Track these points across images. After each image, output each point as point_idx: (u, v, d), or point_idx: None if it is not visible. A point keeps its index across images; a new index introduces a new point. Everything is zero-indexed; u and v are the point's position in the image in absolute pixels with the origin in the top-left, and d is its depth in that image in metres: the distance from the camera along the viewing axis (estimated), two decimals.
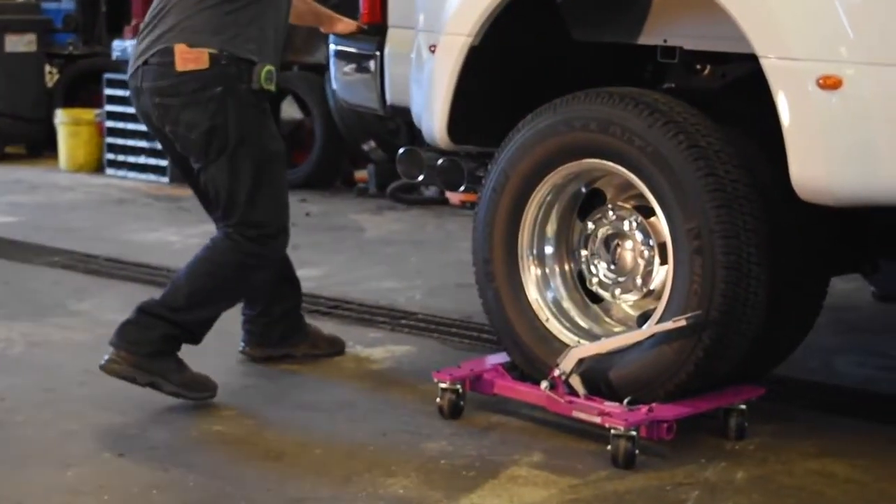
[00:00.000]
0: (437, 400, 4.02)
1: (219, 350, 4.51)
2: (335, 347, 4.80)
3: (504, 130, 4.10)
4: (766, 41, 3.40)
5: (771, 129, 3.80)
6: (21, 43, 10.25)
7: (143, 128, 7.72)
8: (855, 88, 3.29)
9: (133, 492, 3.48)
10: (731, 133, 3.75)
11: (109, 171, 9.74)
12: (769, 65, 3.40)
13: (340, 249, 7.02)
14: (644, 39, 4.15)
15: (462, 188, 4.43)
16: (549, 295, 4.11)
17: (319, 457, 3.74)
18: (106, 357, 4.04)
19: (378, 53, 4.50)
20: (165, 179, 9.27)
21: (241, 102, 4.05)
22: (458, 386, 4.02)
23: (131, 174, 9.56)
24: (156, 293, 4.79)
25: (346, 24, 4.68)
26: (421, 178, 4.52)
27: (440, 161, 4.42)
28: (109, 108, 9.67)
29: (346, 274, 6.36)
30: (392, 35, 4.47)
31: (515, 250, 4.09)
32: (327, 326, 5.08)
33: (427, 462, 3.68)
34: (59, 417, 4.06)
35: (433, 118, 4.20)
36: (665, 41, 4.11)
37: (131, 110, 7.46)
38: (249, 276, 4.22)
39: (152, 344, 4.06)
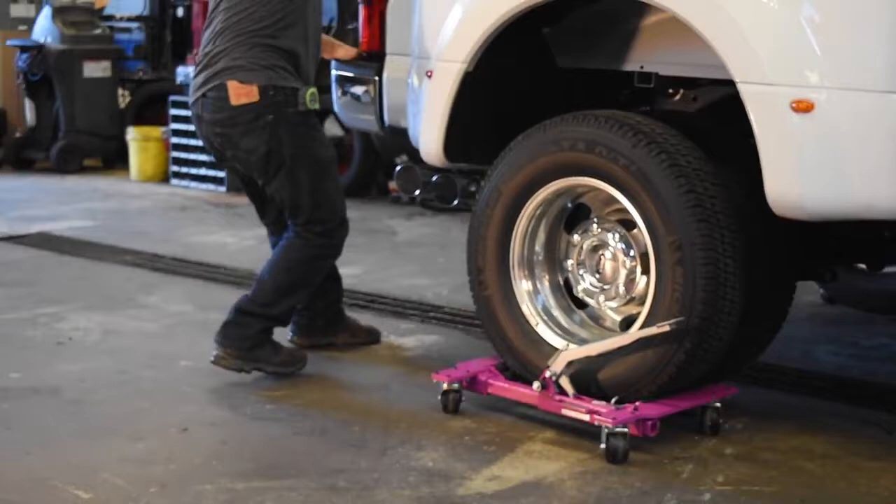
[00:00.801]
0: (439, 397, 3.92)
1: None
2: (372, 336, 4.87)
3: (496, 149, 3.98)
4: (744, 68, 3.28)
5: (742, 148, 3.74)
6: (98, 69, 10.48)
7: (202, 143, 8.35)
8: (826, 111, 3.17)
9: (196, 462, 3.55)
10: (707, 152, 3.62)
11: (174, 181, 9.89)
12: (746, 90, 3.28)
13: (376, 250, 7.08)
14: (622, 66, 4.06)
15: (455, 202, 4.30)
16: (539, 302, 3.98)
17: (358, 433, 3.80)
18: (214, 353, 4.20)
19: (377, 78, 4.38)
20: (223, 189, 9.44)
21: (290, 124, 4.16)
22: (456, 385, 3.91)
23: (193, 184, 9.71)
24: (213, 288, 5.72)
25: (346, 51, 4.61)
26: (417, 192, 4.40)
27: (435, 178, 4.32)
28: (174, 126, 9.84)
29: (381, 272, 6.45)
30: (390, 62, 4.35)
31: (507, 261, 3.96)
32: (365, 318, 5.16)
33: (453, 438, 3.74)
34: (130, 396, 4.17)
35: (430, 138, 4.08)
36: (641, 67, 4.02)
37: (193, 128, 8.03)
38: (321, 264, 4.41)
39: (252, 339, 4.23)
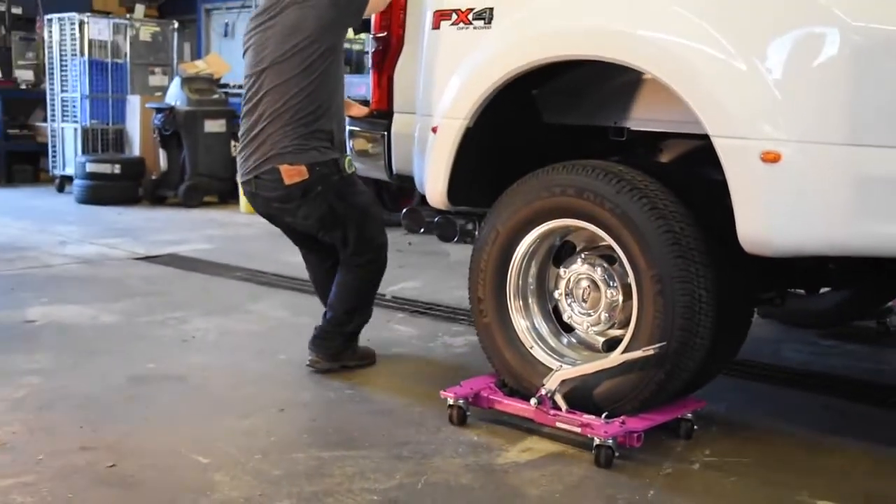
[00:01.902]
0: (447, 410, 3.80)
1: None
2: (372, 358, 4.73)
3: (494, 194, 3.87)
4: (717, 124, 3.17)
5: (710, 193, 3.65)
6: (216, 126, 11.20)
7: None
8: (791, 162, 3.06)
9: (291, 435, 3.76)
10: (680, 196, 3.51)
11: None
12: (720, 143, 3.17)
13: (432, 268, 7.33)
14: (598, 121, 3.98)
15: (455, 239, 4.19)
16: (532, 327, 3.86)
17: (418, 413, 3.95)
18: (308, 359, 4.44)
19: (385, 133, 4.25)
20: None
21: (336, 190, 4.21)
22: (462, 402, 3.77)
23: None
24: (305, 298, 5.84)
25: (358, 109, 4.49)
26: (422, 231, 4.28)
27: (437, 218, 4.21)
28: None
29: (437, 285, 6.65)
30: (397, 119, 4.23)
31: (504, 291, 3.84)
32: (422, 322, 5.57)
33: (494, 419, 3.84)
34: (240, 383, 4.39)
35: (435, 185, 3.96)
36: (615, 123, 3.93)
37: None
38: (373, 284, 4.51)
39: (334, 348, 4.44)
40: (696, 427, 3.66)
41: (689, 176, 3.89)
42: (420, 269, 7.22)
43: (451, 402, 3.78)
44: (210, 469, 3.34)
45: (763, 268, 3.54)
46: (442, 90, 3.94)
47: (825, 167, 3.05)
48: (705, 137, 3.39)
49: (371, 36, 4.27)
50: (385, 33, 4.20)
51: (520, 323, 3.84)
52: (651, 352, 3.37)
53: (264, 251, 7.73)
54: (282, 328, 5.43)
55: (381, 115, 4.27)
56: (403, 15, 4.15)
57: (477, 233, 4.09)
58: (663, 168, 3.89)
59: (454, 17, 3.91)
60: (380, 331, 5.13)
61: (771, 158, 3.07)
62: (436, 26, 3.98)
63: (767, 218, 3.13)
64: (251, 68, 4.19)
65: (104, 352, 4.24)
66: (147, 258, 7.56)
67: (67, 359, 4.64)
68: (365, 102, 4.53)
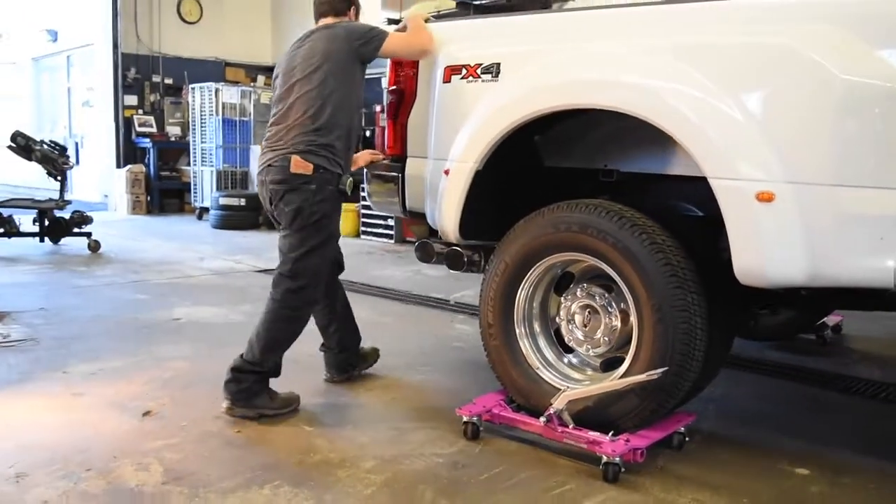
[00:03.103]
0: (462, 427, 3.51)
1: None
2: (377, 354, 4.52)
3: (500, 229, 3.61)
4: (715, 167, 2.92)
5: (696, 229, 3.42)
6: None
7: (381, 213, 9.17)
8: (783, 201, 2.82)
9: (378, 409, 3.91)
10: (671, 231, 3.25)
11: (363, 236, 10.56)
12: (717, 184, 2.91)
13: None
14: (590, 164, 3.73)
15: (463, 269, 3.89)
16: (536, 349, 3.57)
17: (475, 395, 3.74)
18: (224, 406, 3.74)
19: (400, 175, 3.95)
20: (392, 241, 10.18)
21: (324, 197, 3.73)
22: (475, 418, 3.48)
23: (374, 238, 10.39)
24: (386, 302, 6.36)
25: (372, 156, 4.14)
26: (433, 261, 3.98)
27: (446, 250, 3.89)
28: (364, 203, 10.16)
29: None
30: (410, 162, 3.93)
31: (511, 317, 3.55)
32: (478, 323, 5.30)
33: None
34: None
35: (448, 221, 3.68)
36: (605, 165, 3.68)
37: None
38: (293, 324, 3.82)
39: (248, 391, 3.74)
40: (687, 438, 3.41)
41: (676, 213, 3.64)
42: (475, 280, 6.90)
43: (465, 419, 3.48)
44: (313, 435, 3.54)
45: (745, 295, 3.30)
46: (453, 137, 3.66)
47: (813, 206, 2.81)
48: (690, 179, 3.17)
49: (386, 89, 3.98)
50: (399, 86, 3.92)
51: (525, 345, 3.56)
52: (655, 376, 3.10)
53: (356, 266, 7.73)
54: (368, 326, 5.34)
55: (395, 159, 3.97)
56: (415, 71, 3.87)
57: (482, 263, 3.81)
58: (655, 206, 3.61)
59: (464, 71, 3.65)
60: (444, 329, 5.56)
61: (765, 198, 2.84)
62: (447, 80, 3.71)
63: (761, 252, 2.88)
64: (281, 87, 3.87)
65: (233, 343, 4.20)
66: (265, 270, 7.58)
67: (204, 348, 4.93)
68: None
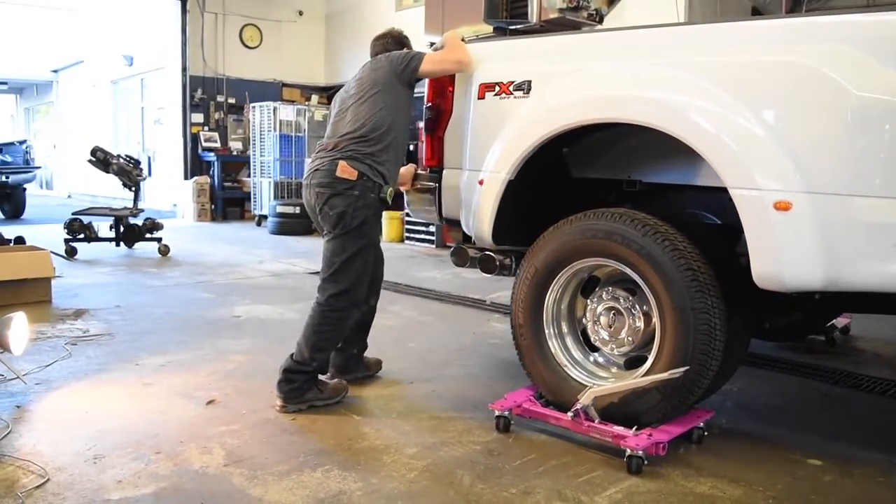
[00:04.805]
0: (494, 422, 3.41)
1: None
2: (379, 366, 4.27)
3: (531, 236, 3.49)
4: (736, 177, 2.79)
5: (715, 236, 3.29)
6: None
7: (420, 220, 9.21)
8: (800, 210, 2.69)
9: (416, 401, 3.84)
10: (691, 238, 3.13)
11: (407, 242, 10.53)
12: (737, 193, 2.79)
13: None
14: (615, 175, 3.62)
15: (495, 273, 3.78)
16: (564, 348, 3.46)
17: (510, 387, 3.73)
18: (277, 404, 3.65)
19: (437, 185, 3.86)
20: (433, 245, 10.13)
21: (367, 204, 3.63)
22: (507, 412, 3.38)
23: (417, 243, 10.33)
24: (428, 302, 6.31)
25: (408, 172, 4.03)
26: (467, 265, 3.87)
27: (480, 255, 3.79)
28: (406, 210, 10.17)
29: None
30: (446, 173, 3.84)
31: (541, 319, 3.44)
32: (505, 322, 5.45)
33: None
34: (384, 363, 4.33)
35: (482, 228, 3.58)
36: (629, 177, 3.57)
37: None
38: (339, 325, 3.71)
39: (299, 389, 3.65)
40: (706, 433, 3.29)
41: (697, 221, 3.51)
42: (511, 282, 6.85)
43: (497, 413, 3.38)
44: (361, 424, 3.50)
45: (761, 298, 3.17)
46: (487, 149, 3.56)
47: (829, 214, 2.68)
48: (709, 189, 3.04)
49: (425, 106, 3.89)
50: (436, 103, 3.83)
51: (554, 345, 3.45)
52: (677, 374, 2.98)
53: (399, 269, 7.96)
54: (411, 324, 5.54)
55: (433, 170, 3.88)
56: (452, 88, 3.78)
57: (514, 267, 3.70)
58: (675, 214, 3.49)
59: (497, 88, 3.56)
60: (481, 327, 5.49)
61: (783, 207, 2.71)
62: (481, 96, 3.62)
63: (779, 258, 2.74)
64: (335, 111, 3.84)
65: (288, 339, 4.14)
66: (317, 272, 7.20)
67: (262, 343, 4.91)
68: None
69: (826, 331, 5.04)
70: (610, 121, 3.16)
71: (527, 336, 3.47)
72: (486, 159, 3.56)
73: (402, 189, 4.03)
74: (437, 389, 4.01)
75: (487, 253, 3.75)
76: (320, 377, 3.77)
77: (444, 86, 3.80)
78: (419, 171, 3.96)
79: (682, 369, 2.96)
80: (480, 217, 3.57)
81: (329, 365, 3.92)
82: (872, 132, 2.62)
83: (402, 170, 3.92)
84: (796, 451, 3.23)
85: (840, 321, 5.16)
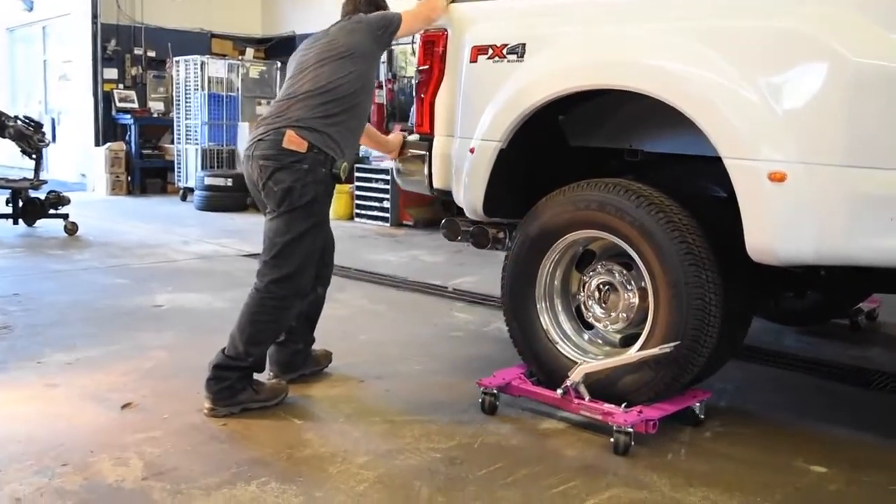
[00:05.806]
0: (479, 400, 3.55)
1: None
2: (328, 358, 4.10)
3: (524, 207, 3.63)
4: (730, 147, 2.92)
5: (714, 208, 3.41)
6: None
7: (375, 193, 9.92)
8: (795, 181, 2.81)
9: (369, 402, 3.73)
10: (689, 210, 3.26)
11: (357, 219, 10.14)
12: (731, 163, 2.91)
13: (487, 266, 6.86)
14: (616, 144, 3.73)
15: (488, 246, 3.93)
16: (557, 324, 3.60)
17: (474, 386, 3.67)
18: (206, 406, 3.44)
19: (427, 153, 3.99)
20: (387, 224, 9.77)
21: (317, 179, 3.45)
22: (494, 390, 3.53)
23: (368, 221, 9.99)
24: (381, 289, 6.10)
25: (396, 140, 4.14)
26: (458, 239, 4.03)
27: (472, 228, 3.94)
28: (357, 184, 10.15)
29: (492, 279, 6.03)
30: (437, 141, 3.95)
31: (533, 294, 3.59)
32: (479, 311, 5.50)
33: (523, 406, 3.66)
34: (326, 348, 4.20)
35: (473, 198, 3.72)
36: (630, 145, 3.68)
37: (369, 185, 9.99)
38: (279, 314, 3.54)
39: (231, 389, 3.45)
40: (702, 416, 3.42)
41: (695, 192, 3.63)
42: (476, 266, 7.05)
43: (483, 390, 3.54)
44: (304, 429, 3.36)
45: (762, 275, 3.30)
46: (479, 116, 3.69)
47: (825, 186, 2.80)
48: (710, 159, 3.16)
49: (416, 69, 4.03)
50: (427, 66, 3.96)
51: (546, 321, 3.59)
52: (667, 350, 3.12)
53: (347, 251, 7.44)
54: (362, 314, 5.40)
55: (423, 137, 4.01)
56: (443, 50, 3.91)
57: (507, 241, 3.85)
58: (674, 185, 3.62)
59: (490, 51, 3.68)
60: (442, 317, 5.31)
61: (777, 178, 2.83)
62: (473, 60, 3.74)
63: (773, 230, 2.87)
64: (293, 71, 3.72)
65: (217, 331, 3.96)
66: (252, 255, 7.20)
67: (187, 336, 4.71)
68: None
69: (851, 315, 5.14)
70: (602, 87, 3.29)
71: (519, 312, 3.62)
72: (477, 126, 3.69)
73: (391, 158, 4.15)
74: (391, 389, 3.87)
75: (480, 226, 3.90)
76: (256, 376, 3.58)
77: (434, 47, 3.93)
78: (408, 139, 4.10)
79: (671, 344, 3.10)
80: (471, 187, 3.71)
81: (268, 363, 3.73)
82: (870, 100, 2.72)
83: (391, 137, 4.05)
84: (798, 456, 3.17)
85: (867, 305, 5.24)
